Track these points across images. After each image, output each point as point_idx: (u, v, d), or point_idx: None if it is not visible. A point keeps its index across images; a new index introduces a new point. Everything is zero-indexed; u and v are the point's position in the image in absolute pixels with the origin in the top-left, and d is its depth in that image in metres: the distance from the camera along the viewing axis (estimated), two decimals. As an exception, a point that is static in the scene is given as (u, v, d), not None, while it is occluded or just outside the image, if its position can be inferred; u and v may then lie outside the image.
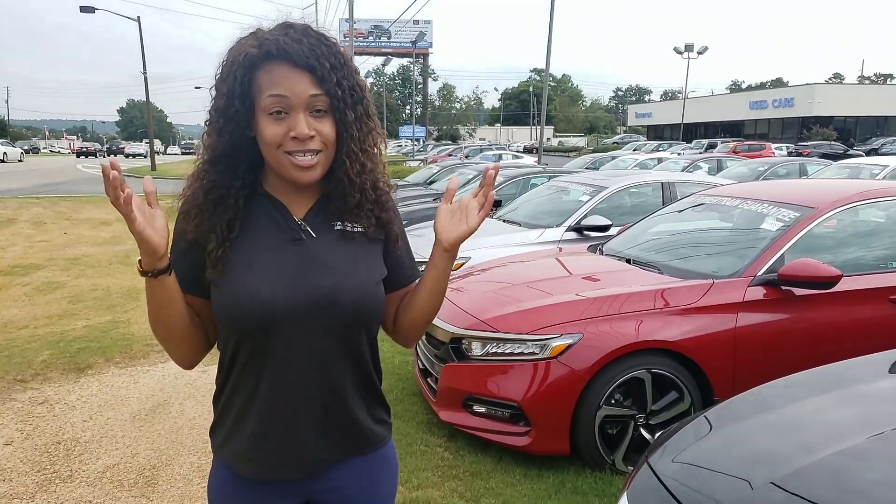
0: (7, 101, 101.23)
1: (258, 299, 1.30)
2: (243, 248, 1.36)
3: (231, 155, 1.35)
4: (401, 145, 55.15)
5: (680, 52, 46.65)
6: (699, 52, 46.62)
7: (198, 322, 1.40)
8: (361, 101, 1.38)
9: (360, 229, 1.43)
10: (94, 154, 56.15)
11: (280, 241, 1.37)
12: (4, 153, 42.39)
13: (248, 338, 1.34)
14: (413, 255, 1.59)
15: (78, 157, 55.60)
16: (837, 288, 3.51)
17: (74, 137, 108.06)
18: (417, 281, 1.54)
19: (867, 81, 79.36)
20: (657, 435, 2.81)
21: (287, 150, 1.31)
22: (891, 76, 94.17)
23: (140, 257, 1.23)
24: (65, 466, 3.56)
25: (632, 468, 2.16)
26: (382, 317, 1.48)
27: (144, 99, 35.61)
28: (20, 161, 43.96)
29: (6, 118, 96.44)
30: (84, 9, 29.00)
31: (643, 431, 3.47)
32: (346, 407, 1.42)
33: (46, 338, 5.73)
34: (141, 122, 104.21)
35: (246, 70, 1.29)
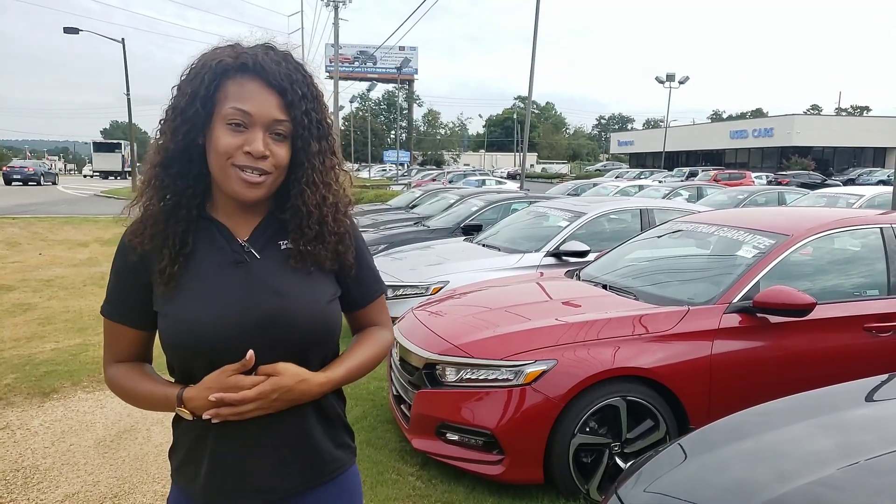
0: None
1: (200, 326, 1.27)
2: (186, 273, 1.32)
3: (182, 159, 1.31)
4: (385, 170, 55.27)
5: (662, 82, 47.28)
6: (680, 82, 47.26)
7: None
8: (326, 137, 1.36)
9: (310, 248, 1.38)
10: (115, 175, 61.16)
11: (222, 264, 1.33)
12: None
13: (195, 365, 1.31)
14: (376, 270, 1.58)
15: (105, 178, 58.75)
16: (812, 315, 3.50)
17: (56, 158, 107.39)
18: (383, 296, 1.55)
19: (844, 113, 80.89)
20: (629, 464, 2.76)
21: (236, 164, 1.28)
22: (867, 108, 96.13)
23: (189, 407, 1.33)
24: (22, 495, 3.43)
25: (605, 498, 2.10)
26: (338, 335, 1.43)
27: (127, 120, 35.39)
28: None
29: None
30: (68, 29, 28.88)
31: (618, 460, 3.40)
32: (305, 432, 1.38)
33: (12, 361, 5.58)
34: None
35: (216, 75, 1.27)
